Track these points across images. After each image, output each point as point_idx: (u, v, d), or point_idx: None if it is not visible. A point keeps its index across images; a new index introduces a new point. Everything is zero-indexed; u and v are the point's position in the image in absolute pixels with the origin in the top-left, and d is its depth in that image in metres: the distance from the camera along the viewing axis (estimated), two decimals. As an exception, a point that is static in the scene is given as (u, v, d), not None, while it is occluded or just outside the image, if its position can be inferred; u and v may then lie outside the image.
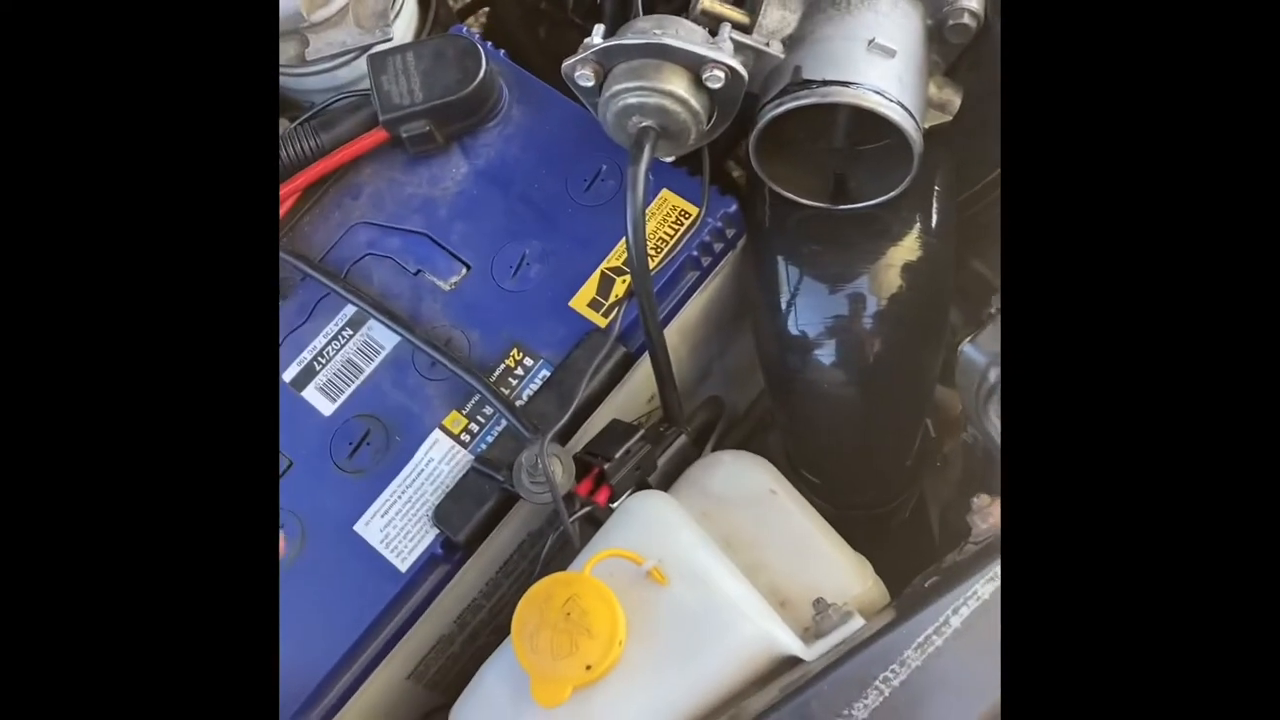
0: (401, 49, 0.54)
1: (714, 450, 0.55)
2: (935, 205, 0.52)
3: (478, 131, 0.55)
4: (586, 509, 0.47)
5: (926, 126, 0.52)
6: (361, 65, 0.58)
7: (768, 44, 0.49)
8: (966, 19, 0.49)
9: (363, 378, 0.51)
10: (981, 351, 0.43)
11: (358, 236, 0.54)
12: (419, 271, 0.53)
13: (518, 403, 0.49)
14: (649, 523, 0.45)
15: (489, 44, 0.57)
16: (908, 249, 0.52)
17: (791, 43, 0.49)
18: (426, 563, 0.47)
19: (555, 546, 0.47)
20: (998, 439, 0.44)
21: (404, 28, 0.62)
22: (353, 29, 0.60)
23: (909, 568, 0.62)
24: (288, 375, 0.52)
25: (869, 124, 0.49)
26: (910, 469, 0.60)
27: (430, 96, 0.53)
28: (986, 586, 0.38)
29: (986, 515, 0.44)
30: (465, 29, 0.58)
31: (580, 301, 0.51)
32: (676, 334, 0.54)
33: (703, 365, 0.61)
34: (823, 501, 0.61)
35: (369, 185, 0.55)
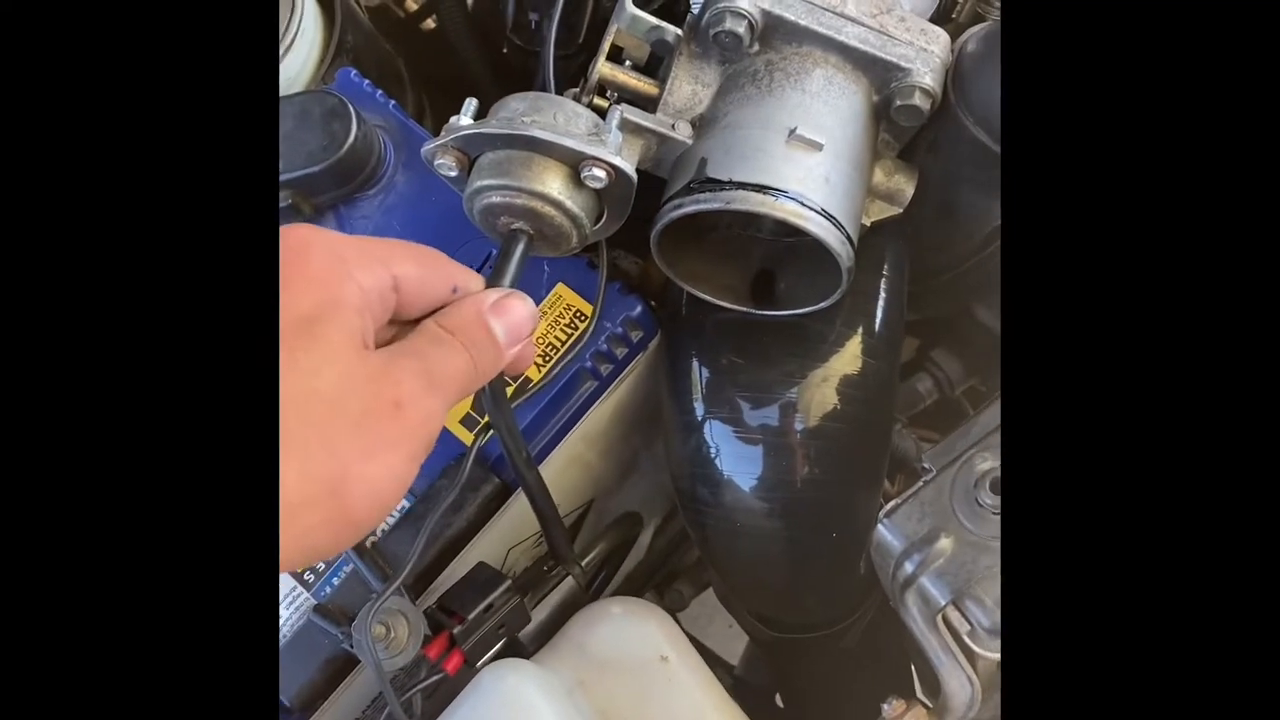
0: (263, 106, 0.46)
1: (613, 594, 0.48)
2: (880, 310, 0.44)
3: (355, 199, 0.48)
4: (435, 678, 0.40)
5: (871, 222, 0.43)
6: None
7: (673, 126, 0.40)
8: (918, 99, 0.40)
9: (203, 495, 0.44)
10: (897, 534, 0.35)
11: (214, 321, 0.47)
12: (277, 368, 0.46)
13: (370, 539, 0.42)
14: (505, 703, 0.39)
15: (379, 93, 0.50)
16: (845, 362, 0.43)
17: (702, 124, 0.41)
18: (252, 728, 0.41)
19: (389, 731, 0.40)
20: (917, 633, 0.36)
21: (300, 62, 0.54)
22: (235, 66, 0.52)
23: (866, 690, 0.55)
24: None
25: (797, 221, 0.41)
26: (860, 588, 0.53)
27: (291, 166, 0.45)
28: None
29: (896, 730, 0.37)
30: (354, 74, 0.50)
31: (451, 418, 0.44)
32: (581, 442, 0.47)
33: (625, 462, 0.54)
34: (753, 625, 0.54)
35: (231, 259, 0.48)
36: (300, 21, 0.53)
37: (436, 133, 0.51)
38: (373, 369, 0.30)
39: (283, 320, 0.29)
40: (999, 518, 0.34)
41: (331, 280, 0.30)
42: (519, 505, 0.44)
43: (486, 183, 0.38)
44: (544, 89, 0.45)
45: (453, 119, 0.39)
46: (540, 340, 0.44)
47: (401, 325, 0.34)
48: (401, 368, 0.30)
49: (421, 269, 0.34)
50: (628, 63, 0.43)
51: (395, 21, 0.70)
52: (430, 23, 0.71)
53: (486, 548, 0.45)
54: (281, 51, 0.52)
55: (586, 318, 0.44)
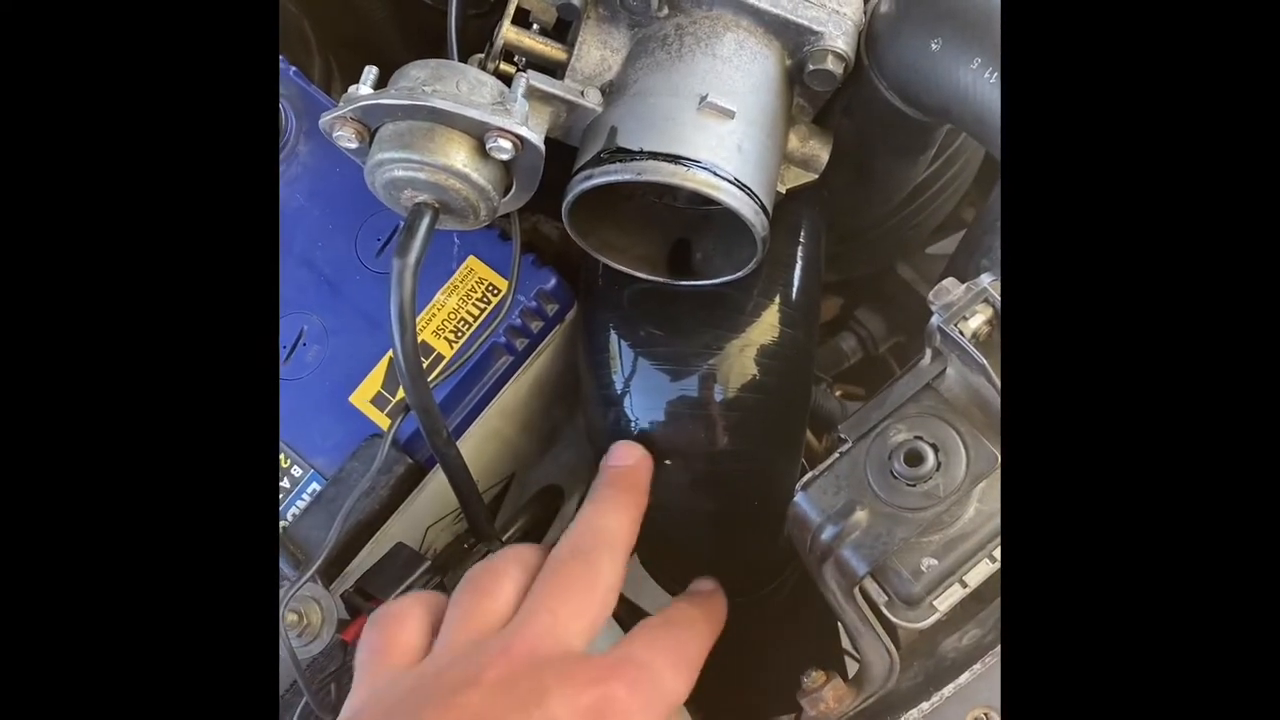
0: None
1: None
2: (797, 278, 0.43)
3: (257, 172, 0.46)
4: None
5: (786, 189, 0.43)
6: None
7: (582, 93, 0.39)
8: (830, 63, 0.39)
9: (104, 483, 0.43)
10: (813, 507, 0.35)
11: (110, 301, 0.45)
12: (178, 349, 0.44)
13: (281, 524, 0.41)
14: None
15: (280, 57, 0.48)
16: (763, 331, 0.43)
17: (612, 91, 0.40)
18: None
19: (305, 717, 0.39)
20: (834, 605, 0.36)
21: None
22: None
23: (796, 655, 0.55)
24: (18, 476, 0.43)
25: (711, 190, 0.40)
26: (781, 555, 0.53)
27: (184, 137, 0.43)
28: None
29: (816, 700, 0.37)
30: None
31: (362, 396, 0.42)
32: (498, 417, 0.46)
33: (545, 435, 0.53)
34: (678, 592, 0.54)
35: (126, 236, 0.46)
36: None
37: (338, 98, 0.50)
38: None
39: None
40: (913, 489, 0.34)
41: None
42: (436, 483, 0.44)
43: (388, 155, 0.37)
44: (449, 54, 0.44)
45: (351, 88, 0.38)
46: (453, 316, 0.43)
47: None
48: None
49: None
50: (535, 26, 0.42)
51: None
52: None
53: (403, 527, 0.44)
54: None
55: (499, 291, 0.43)
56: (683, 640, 0.37)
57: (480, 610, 0.35)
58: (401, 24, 0.62)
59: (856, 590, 0.34)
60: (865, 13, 0.40)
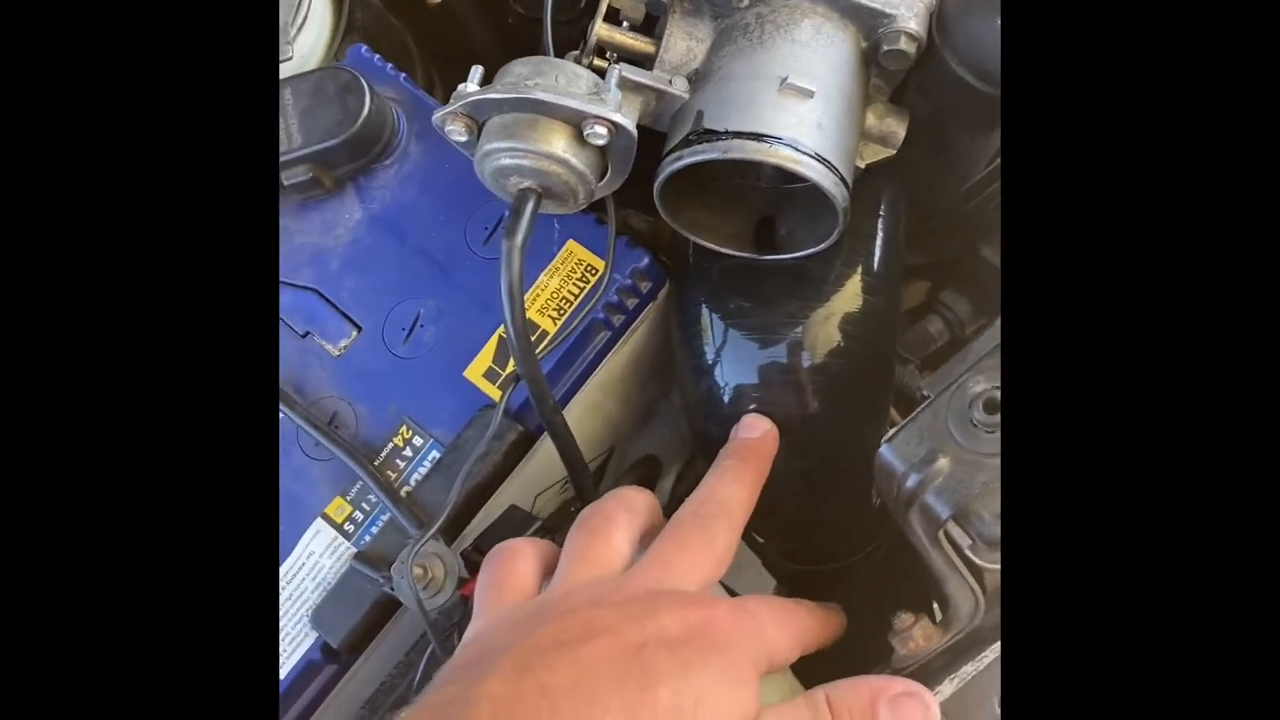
0: (280, 85, 0.48)
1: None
2: (878, 249, 0.46)
3: (373, 170, 0.50)
4: (473, 616, 0.43)
5: (865, 164, 0.45)
6: (268, 83, 0.53)
7: (670, 82, 0.42)
8: (904, 43, 0.41)
9: (246, 456, 0.47)
10: (897, 457, 0.37)
11: (245, 293, 0.49)
12: (307, 334, 0.48)
13: (405, 489, 0.45)
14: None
15: (389, 66, 0.52)
16: (846, 300, 0.45)
17: (698, 79, 0.42)
18: (305, 669, 0.44)
19: (430, 667, 0.43)
20: (921, 550, 0.38)
21: (312, 40, 0.56)
22: (250, 48, 0.54)
23: (888, 609, 0.57)
24: (169, 452, 0.48)
25: (793, 167, 0.42)
26: (874, 519, 0.55)
27: (309, 140, 0.47)
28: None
29: (906, 640, 0.39)
30: (364, 50, 0.52)
31: (475, 371, 0.46)
32: (598, 390, 0.49)
33: (641, 411, 0.56)
34: (776, 560, 0.57)
35: (258, 234, 0.50)
36: (310, 3, 0.55)
37: (442, 99, 0.54)
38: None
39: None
40: (993, 435, 0.36)
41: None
42: (543, 452, 0.47)
43: (495, 145, 0.40)
44: (545, 53, 0.47)
45: (460, 86, 0.41)
46: (555, 295, 0.46)
47: None
48: None
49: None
50: (625, 23, 0.45)
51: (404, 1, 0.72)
52: (435, -1, 0.73)
53: (514, 493, 0.47)
54: (294, 33, 0.54)
55: (597, 271, 0.46)
56: (794, 611, 0.40)
57: (594, 552, 0.38)
58: (497, 34, 0.67)
59: (941, 534, 0.36)
60: (936, -6, 0.42)
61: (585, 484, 0.46)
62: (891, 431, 0.39)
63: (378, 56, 0.52)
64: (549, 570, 0.40)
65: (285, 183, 0.48)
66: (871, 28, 0.42)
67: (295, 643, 0.44)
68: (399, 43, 0.65)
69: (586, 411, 0.49)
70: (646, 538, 0.40)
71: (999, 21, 0.40)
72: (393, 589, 0.42)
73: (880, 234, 0.46)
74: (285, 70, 0.54)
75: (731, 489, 0.42)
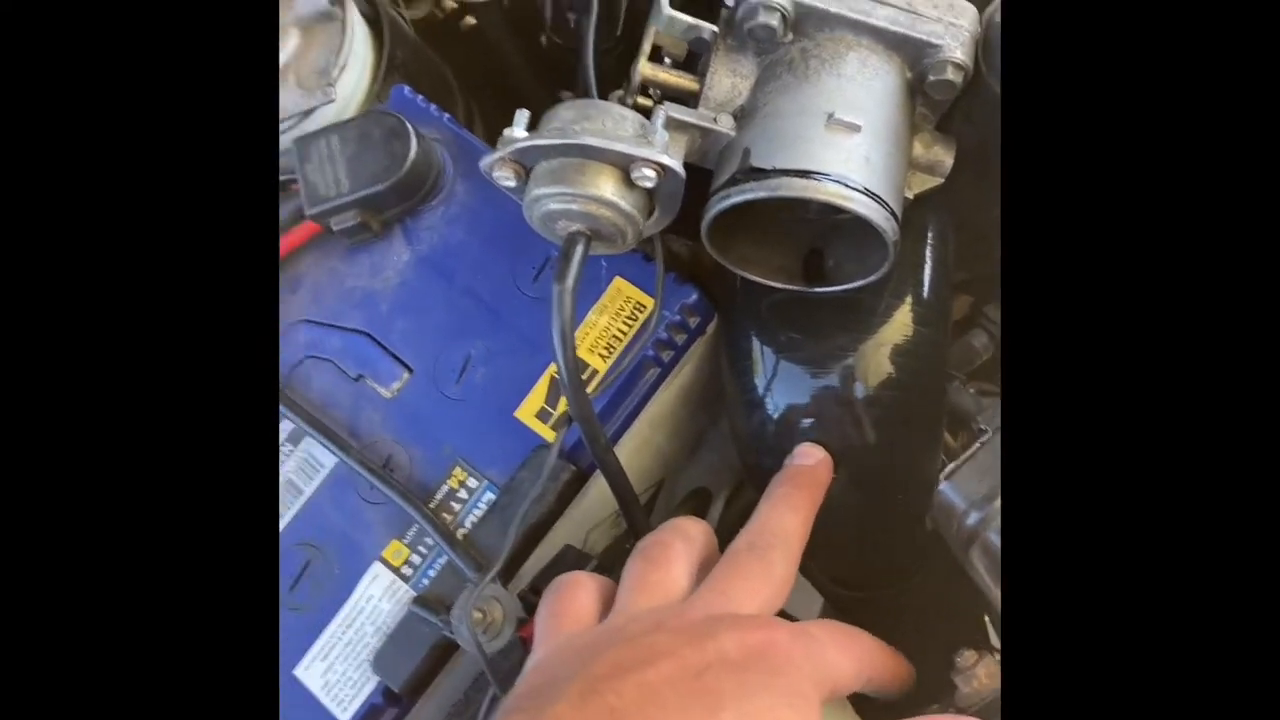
0: (327, 132, 0.49)
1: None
2: (927, 278, 0.45)
3: (419, 212, 0.50)
4: (532, 657, 0.43)
5: (914, 194, 0.45)
6: (310, 125, 0.54)
7: (715, 120, 0.42)
8: (950, 73, 0.41)
9: (302, 501, 0.47)
10: (958, 495, 0.37)
11: (297, 337, 0.50)
12: (360, 377, 0.49)
13: (461, 531, 0.45)
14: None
15: (432, 107, 0.52)
16: (897, 330, 0.45)
17: (743, 115, 0.42)
18: (368, 713, 0.44)
19: (491, 708, 0.43)
20: (983, 587, 0.38)
21: (354, 81, 0.56)
22: (294, 91, 0.55)
23: (940, 644, 0.56)
24: (227, 498, 0.48)
25: (841, 201, 0.42)
26: (924, 546, 0.54)
27: (357, 185, 0.48)
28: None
29: (970, 678, 0.39)
30: (407, 91, 0.53)
31: (527, 412, 0.46)
32: (648, 426, 0.49)
33: (692, 441, 0.56)
34: (825, 584, 0.57)
35: (308, 277, 0.51)
36: (351, 45, 0.55)
37: (487, 137, 0.54)
38: None
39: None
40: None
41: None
42: (596, 489, 0.47)
43: (544, 191, 0.40)
44: (587, 90, 0.47)
45: (506, 131, 0.41)
46: (604, 333, 0.46)
47: None
48: None
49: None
50: (667, 60, 0.45)
51: (438, 28, 0.72)
52: (470, 19, 0.73)
53: (567, 531, 0.47)
54: (336, 74, 0.54)
55: (645, 309, 0.46)
56: (858, 638, 0.40)
57: (652, 580, 0.39)
58: (531, 59, 0.67)
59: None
60: (980, 23, 0.42)
61: (638, 519, 0.46)
62: (950, 467, 0.38)
63: (420, 97, 0.52)
64: (607, 602, 0.40)
65: (334, 227, 0.49)
66: (917, 58, 0.42)
67: (356, 687, 0.44)
68: (438, 76, 0.65)
69: (637, 447, 0.49)
70: (703, 568, 0.41)
71: (1047, 49, 0.39)
72: (452, 633, 0.43)
73: (929, 263, 0.45)
74: (329, 113, 0.55)
75: (786, 518, 0.42)
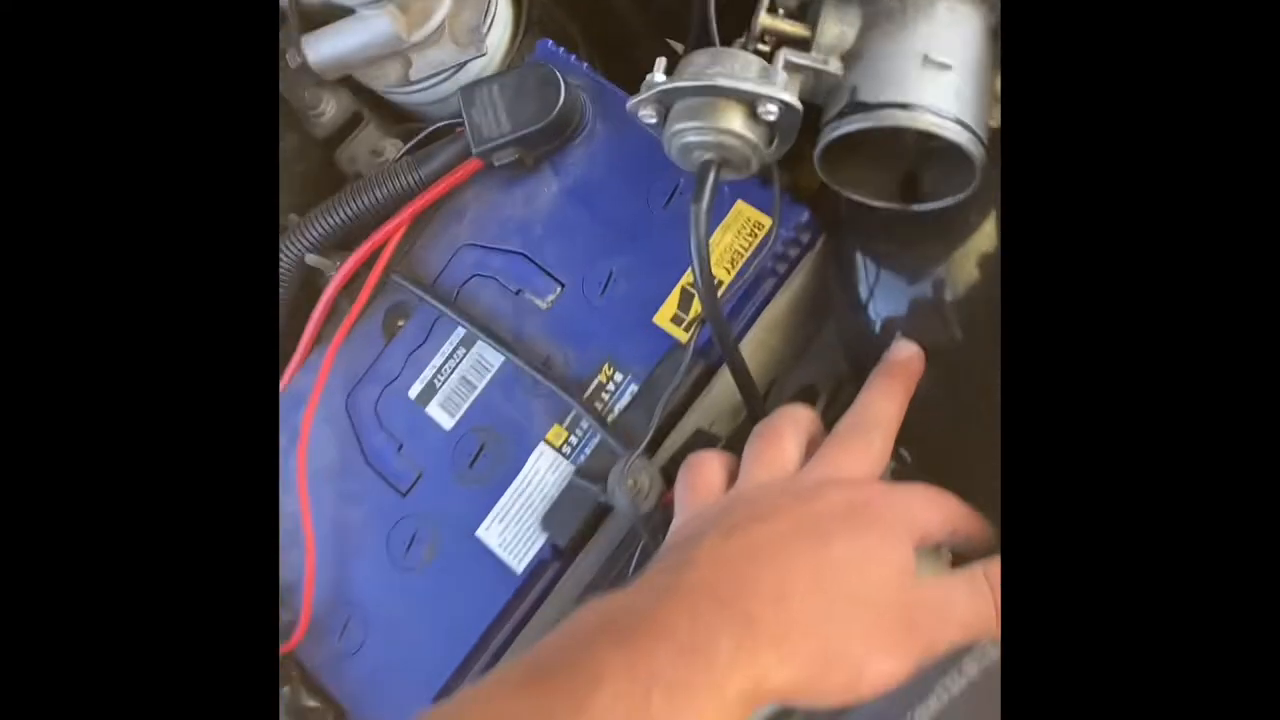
0: (488, 81, 0.58)
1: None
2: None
3: (566, 149, 0.59)
4: (674, 519, 0.51)
5: (996, 124, 0.51)
6: (463, 75, 0.63)
7: (826, 62, 0.49)
8: (1030, 16, 0.48)
9: (476, 393, 0.57)
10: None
11: (465, 259, 0.59)
12: (519, 291, 0.57)
13: (610, 418, 0.54)
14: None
15: (573, 57, 0.60)
16: (982, 240, 0.52)
17: (850, 59, 0.50)
18: (538, 565, 0.53)
19: (642, 557, 0.52)
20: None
21: (499, 36, 0.65)
22: (450, 47, 0.64)
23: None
24: (413, 392, 0.58)
25: (935, 127, 0.49)
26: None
27: (516, 126, 0.56)
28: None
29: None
30: (551, 44, 0.61)
31: (663, 317, 0.55)
32: (764, 330, 0.57)
33: (800, 346, 0.64)
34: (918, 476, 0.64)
35: (471, 208, 0.60)
36: (496, 5, 0.64)
37: (617, 84, 0.62)
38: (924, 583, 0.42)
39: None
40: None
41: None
42: (721, 383, 0.55)
43: (683, 125, 0.48)
44: (710, 39, 0.55)
45: (649, 76, 0.49)
46: (729, 249, 0.54)
47: None
48: (948, 597, 0.42)
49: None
50: (781, 10, 0.52)
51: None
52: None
53: (698, 418, 0.56)
54: (485, 30, 0.63)
55: (764, 227, 0.54)
56: (941, 496, 0.47)
57: (768, 456, 0.47)
58: (645, 16, 0.75)
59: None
60: (1058, -30, 0.49)
61: (757, 407, 0.54)
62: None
63: (562, 49, 0.60)
64: (733, 476, 0.48)
65: (495, 163, 0.57)
66: (995, 5, 0.48)
67: (529, 544, 0.54)
68: (565, 32, 0.73)
69: (755, 348, 0.57)
70: (811, 446, 0.49)
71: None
72: (608, 498, 0.51)
73: (1011, 183, 0.52)
74: (480, 64, 0.63)
75: (883, 403, 0.50)
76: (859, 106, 0.47)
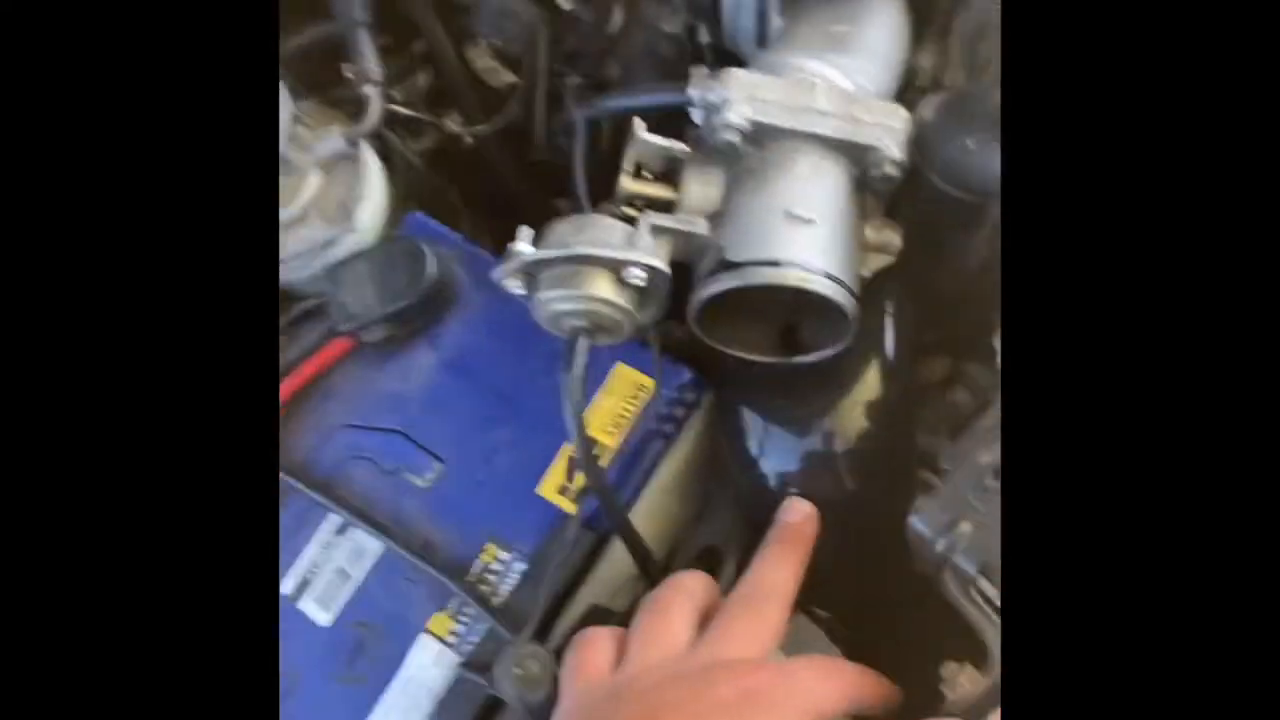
0: (355, 258, 0.56)
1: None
2: (889, 342, 0.52)
3: (441, 320, 0.57)
4: (570, 706, 0.48)
5: (870, 272, 0.51)
6: (338, 251, 0.61)
7: (692, 223, 0.49)
8: (889, 168, 0.48)
9: (353, 585, 0.53)
10: (926, 525, 0.43)
11: (338, 440, 0.56)
12: (396, 470, 0.55)
13: (497, 600, 0.51)
14: None
15: (445, 228, 0.59)
16: (867, 389, 0.51)
17: (716, 218, 0.49)
18: (424, 771, 0.49)
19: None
20: (957, 606, 0.43)
21: (372, 211, 0.64)
22: (318, 225, 0.62)
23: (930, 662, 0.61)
24: (286, 588, 0.54)
25: (807, 282, 0.49)
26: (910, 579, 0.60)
27: (384, 302, 0.55)
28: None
29: (954, 686, 0.44)
30: (420, 216, 0.60)
31: (548, 488, 0.52)
32: (658, 493, 0.55)
33: (699, 506, 0.61)
34: (837, 629, 0.62)
35: (344, 386, 0.57)
36: (367, 180, 0.63)
37: (493, 247, 0.61)
38: None
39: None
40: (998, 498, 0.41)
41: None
42: (615, 553, 0.53)
43: (550, 294, 0.47)
44: (580, 204, 0.54)
45: (512, 246, 0.48)
46: (610, 413, 0.53)
47: None
48: None
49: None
50: (646, 174, 0.52)
51: (441, 154, 0.80)
52: (469, 139, 0.80)
53: (592, 593, 0.53)
54: (355, 207, 0.62)
55: (646, 389, 0.53)
56: (838, 668, 0.45)
57: (655, 635, 0.44)
58: (522, 174, 0.75)
59: (972, 589, 0.42)
60: (911, 122, 0.49)
61: (655, 575, 0.52)
62: (917, 503, 0.44)
63: (433, 221, 0.59)
64: (621, 653, 0.45)
65: (365, 340, 0.55)
66: (860, 158, 0.49)
67: (414, 748, 0.49)
68: (444, 199, 0.73)
69: (649, 512, 0.55)
70: (707, 614, 0.46)
71: (968, 141, 0.47)
72: (497, 690, 0.48)
73: (890, 329, 0.52)
74: (352, 241, 0.62)
75: (776, 572, 0.48)
76: (728, 265, 0.47)
